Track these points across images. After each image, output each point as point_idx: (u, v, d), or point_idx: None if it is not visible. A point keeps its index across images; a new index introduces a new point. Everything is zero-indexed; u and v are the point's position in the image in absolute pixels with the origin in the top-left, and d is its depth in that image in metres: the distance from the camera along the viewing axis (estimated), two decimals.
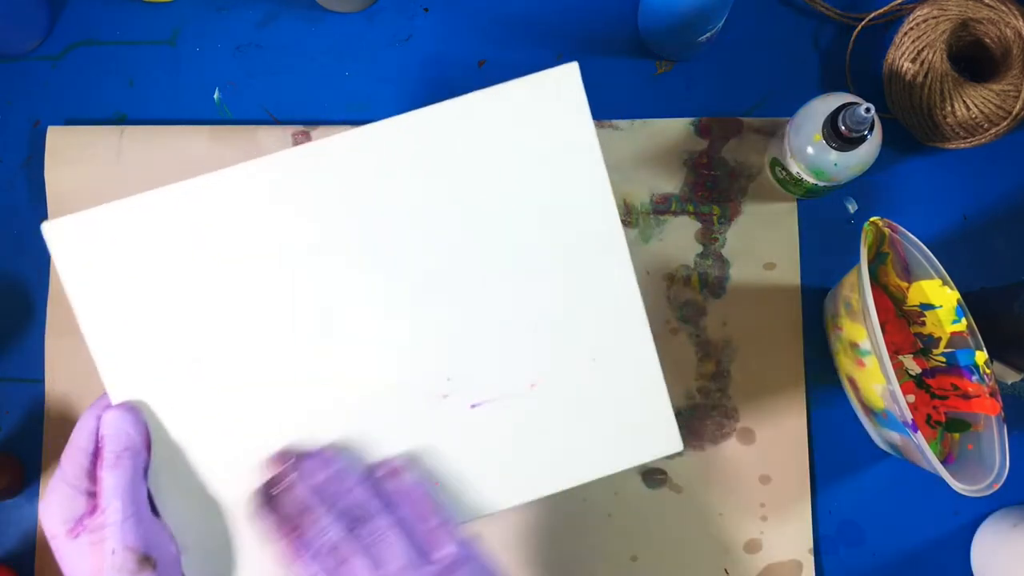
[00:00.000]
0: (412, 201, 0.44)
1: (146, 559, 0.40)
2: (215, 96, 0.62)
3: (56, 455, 0.59)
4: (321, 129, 0.60)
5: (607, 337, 0.44)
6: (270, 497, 0.42)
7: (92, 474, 0.42)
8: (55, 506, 0.41)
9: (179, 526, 0.43)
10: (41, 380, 0.60)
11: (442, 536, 0.41)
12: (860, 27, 0.61)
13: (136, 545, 0.40)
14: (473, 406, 0.44)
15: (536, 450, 0.45)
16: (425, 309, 0.44)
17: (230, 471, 0.44)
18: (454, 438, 0.44)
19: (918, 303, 0.56)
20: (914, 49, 0.57)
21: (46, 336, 0.60)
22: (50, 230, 0.43)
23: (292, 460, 0.42)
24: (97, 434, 0.42)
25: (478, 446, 0.44)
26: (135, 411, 0.43)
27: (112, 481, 0.41)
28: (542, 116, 0.44)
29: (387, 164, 0.44)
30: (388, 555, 0.40)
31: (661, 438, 0.45)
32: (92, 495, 0.41)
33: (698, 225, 0.60)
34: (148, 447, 0.43)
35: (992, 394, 0.54)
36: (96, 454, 0.42)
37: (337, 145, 0.43)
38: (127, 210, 0.43)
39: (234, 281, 0.44)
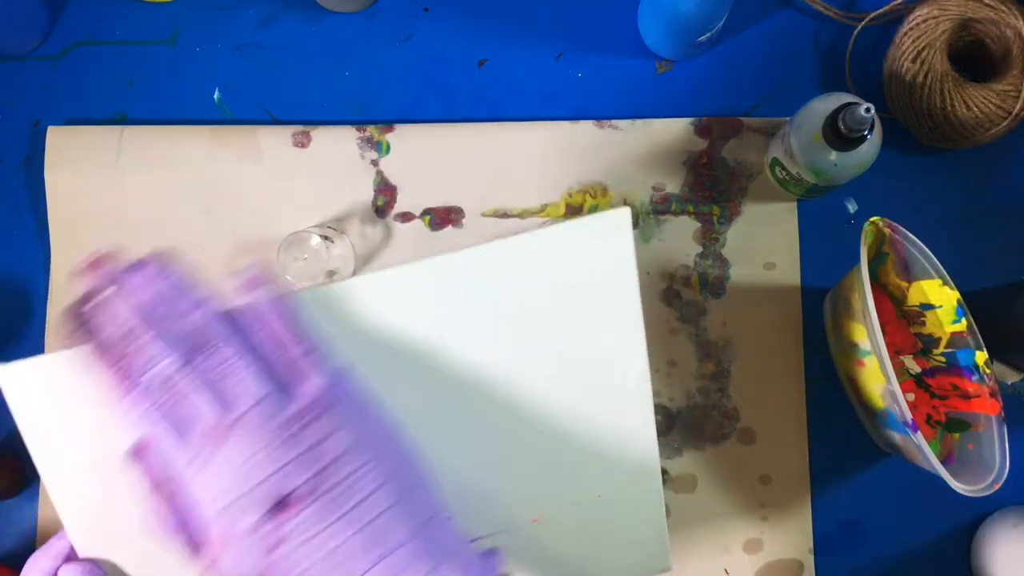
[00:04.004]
0: (430, 334, 0.42)
1: None
2: (215, 96, 0.62)
3: None
4: (321, 129, 0.60)
5: (618, 479, 0.44)
6: (81, 316, 0.35)
7: None
8: None
9: None
10: None
11: (306, 367, 0.35)
12: (860, 27, 0.61)
13: None
14: (472, 540, 0.43)
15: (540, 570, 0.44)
16: (434, 442, 0.42)
17: None
18: None
19: (918, 303, 0.56)
20: (914, 49, 0.57)
21: (46, 336, 0.60)
22: (4, 376, 0.40)
23: (108, 271, 0.35)
24: None
25: None
26: (94, 569, 0.40)
27: None
28: (586, 259, 0.43)
29: (409, 301, 0.42)
30: (238, 390, 0.34)
31: (654, 559, 0.45)
32: None
33: (698, 225, 0.60)
34: None
35: (992, 394, 0.54)
36: None
37: (346, 289, 0.41)
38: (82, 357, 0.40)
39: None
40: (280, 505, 0.33)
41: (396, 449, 0.36)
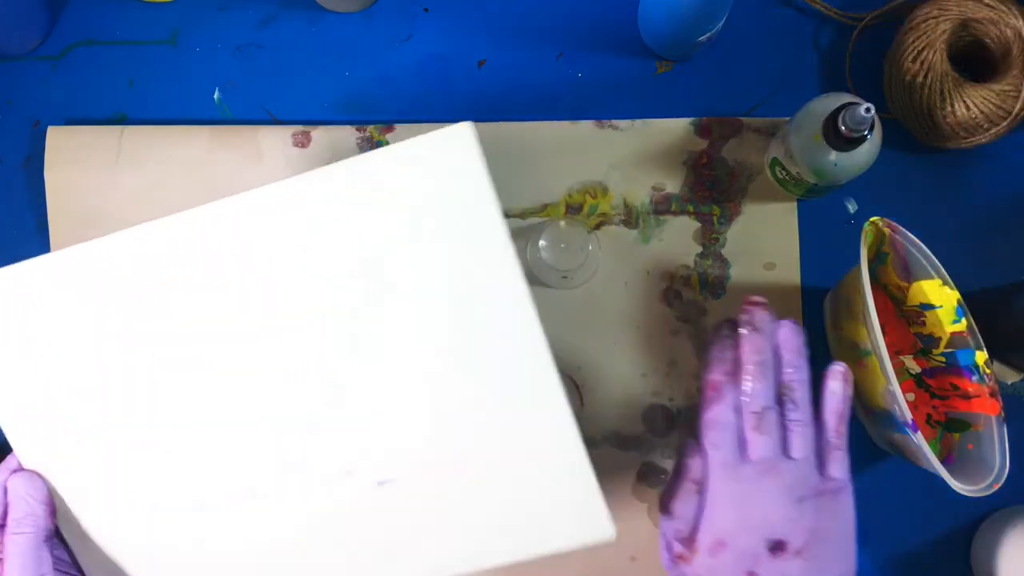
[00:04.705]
0: (313, 268, 0.42)
1: None
2: (215, 96, 0.62)
3: None
4: (321, 129, 0.60)
5: (521, 414, 0.42)
6: (733, 331, 0.44)
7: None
8: None
9: None
10: None
11: (838, 458, 0.43)
12: (860, 27, 0.61)
13: None
14: (380, 483, 0.43)
15: (448, 529, 0.43)
16: (326, 383, 0.42)
17: (135, 539, 0.44)
18: (360, 516, 0.43)
19: (918, 303, 0.56)
20: (914, 49, 0.57)
21: None
22: None
23: (770, 315, 0.44)
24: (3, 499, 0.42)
25: (385, 524, 0.43)
26: (37, 478, 0.43)
27: (12, 548, 0.41)
28: (437, 178, 0.41)
29: (284, 230, 0.41)
30: (795, 448, 0.43)
31: (589, 524, 0.43)
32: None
33: (698, 225, 0.60)
34: (52, 513, 0.43)
35: (992, 394, 0.54)
36: (3, 518, 0.42)
37: (229, 209, 0.41)
38: (36, 269, 0.42)
39: (138, 348, 0.42)
40: (777, 547, 0.42)
41: (849, 553, 0.43)
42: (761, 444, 0.42)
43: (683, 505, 0.43)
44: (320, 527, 0.43)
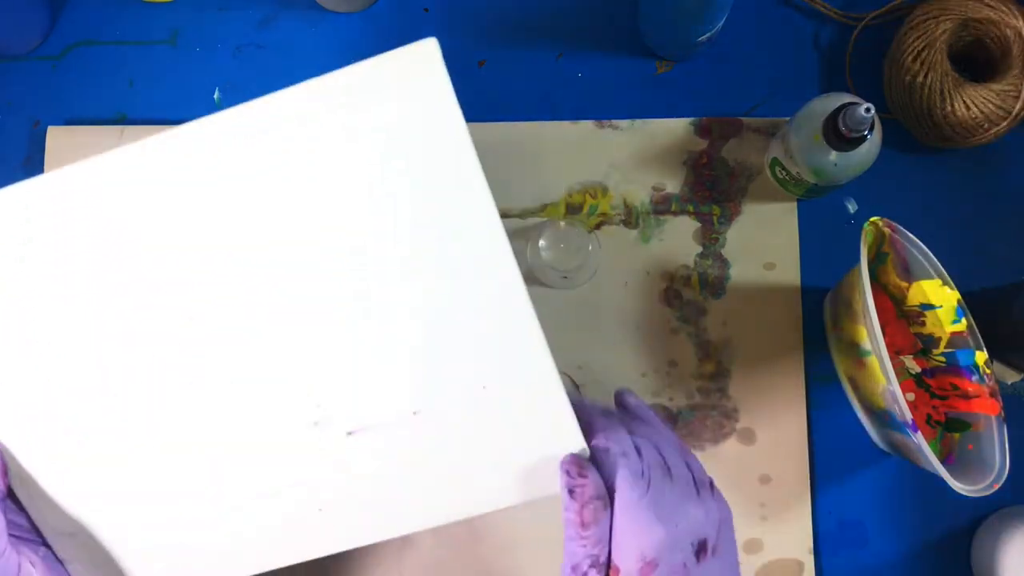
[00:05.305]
0: (265, 204, 0.39)
1: None
2: (215, 96, 0.62)
3: None
4: None
5: (499, 356, 0.39)
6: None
7: None
8: None
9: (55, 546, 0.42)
10: None
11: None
12: (860, 27, 0.61)
13: None
14: (349, 433, 0.40)
15: (423, 480, 0.40)
16: (286, 326, 0.40)
17: (85, 499, 0.41)
18: (328, 468, 0.40)
19: (918, 303, 0.56)
20: (914, 49, 0.57)
21: None
22: None
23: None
24: None
25: (354, 475, 0.40)
26: None
27: None
28: (400, 102, 0.38)
29: (238, 163, 0.39)
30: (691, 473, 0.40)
31: (560, 437, 0.39)
32: None
33: (698, 225, 0.60)
34: (4, 472, 0.41)
35: (992, 394, 0.54)
36: None
37: (170, 144, 0.40)
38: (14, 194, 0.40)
39: (79, 290, 0.40)
40: (701, 549, 0.38)
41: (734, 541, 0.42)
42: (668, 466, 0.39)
43: (597, 525, 0.36)
44: (290, 477, 0.41)
